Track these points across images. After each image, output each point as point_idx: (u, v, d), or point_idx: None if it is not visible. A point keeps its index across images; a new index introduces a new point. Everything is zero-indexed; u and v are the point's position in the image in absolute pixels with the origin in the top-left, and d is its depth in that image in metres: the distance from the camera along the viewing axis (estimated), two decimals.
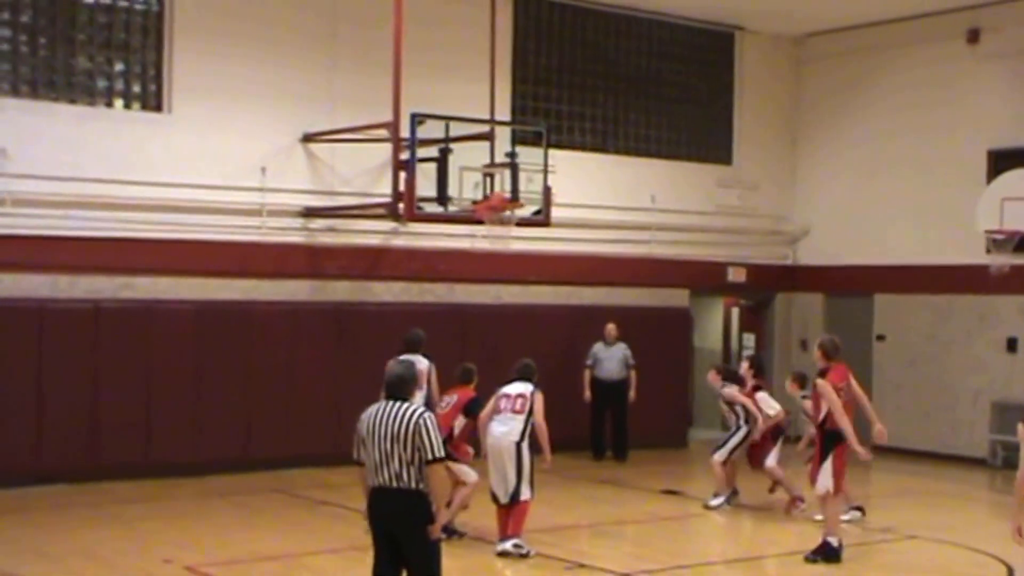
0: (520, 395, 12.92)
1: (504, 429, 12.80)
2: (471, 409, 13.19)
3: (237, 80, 17.95)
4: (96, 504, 15.38)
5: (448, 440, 11.79)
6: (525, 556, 12.61)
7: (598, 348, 20.06)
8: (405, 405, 8.44)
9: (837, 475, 12.96)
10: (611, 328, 20.01)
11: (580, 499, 16.74)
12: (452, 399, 13.32)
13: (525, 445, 12.74)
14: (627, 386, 20.02)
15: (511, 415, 12.83)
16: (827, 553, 12.87)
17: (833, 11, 21.80)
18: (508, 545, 12.67)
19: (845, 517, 14.56)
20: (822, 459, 13.00)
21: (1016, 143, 20.21)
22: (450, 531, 12.63)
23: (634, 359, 19.92)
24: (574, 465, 18.72)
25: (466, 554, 12.82)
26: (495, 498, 12.93)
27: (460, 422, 13.16)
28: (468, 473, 13.19)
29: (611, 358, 20.01)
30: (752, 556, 14.19)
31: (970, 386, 20.51)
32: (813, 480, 13.18)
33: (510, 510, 12.81)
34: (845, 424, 12.83)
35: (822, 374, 13.05)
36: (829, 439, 12.99)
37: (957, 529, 12.20)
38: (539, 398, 12.91)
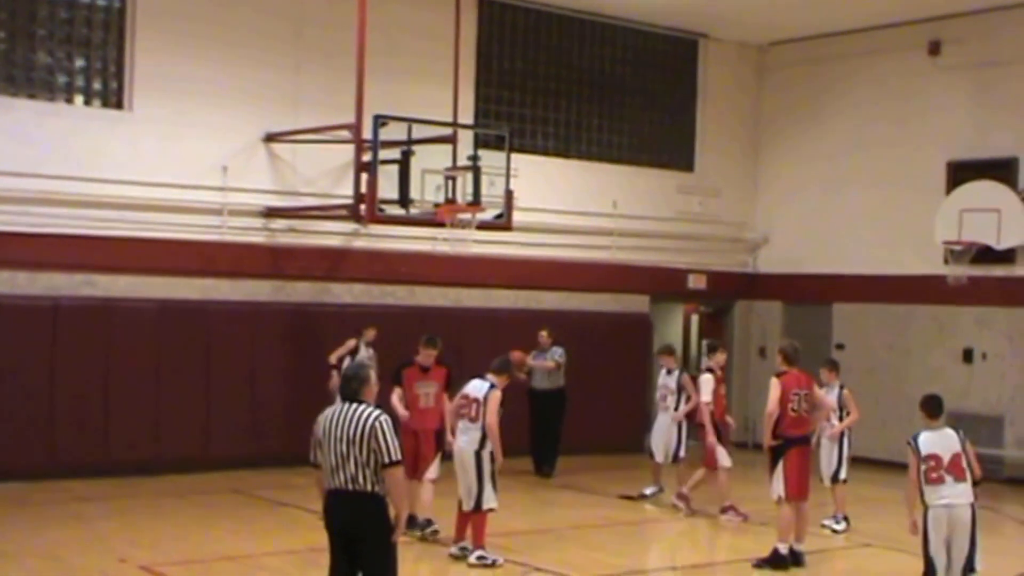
0: (475, 400, 12.56)
1: (464, 439, 12.58)
2: None
3: (199, 79, 17.86)
4: (53, 502, 15.28)
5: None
6: (492, 566, 12.38)
7: (532, 356, 18.78)
8: (362, 408, 8.38)
9: (793, 480, 13.02)
10: (543, 335, 18.83)
11: (536, 503, 16.75)
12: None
13: (485, 453, 12.44)
14: (560, 396, 18.87)
15: (468, 424, 12.57)
16: (775, 560, 12.93)
17: (797, 20, 21.92)
18: (472, 558, 12.43)
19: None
20: (774, 464, 13.08)
21: (975, 155, 20.38)
22: None
23: (564, 357, 18.75)
24: (530, 470, 18.68)
25: (424, 557, 12.83)
26: (461, 503, 12.73)
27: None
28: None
29: (540, 367, 18.86)
30: (706, 562, 14.25)
31: None
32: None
33: (471, 517, 12.63)
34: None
35: (778, 376, 13.20)
36: (780, 445, 13.04)
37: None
38: (493, 397, 12.47)
